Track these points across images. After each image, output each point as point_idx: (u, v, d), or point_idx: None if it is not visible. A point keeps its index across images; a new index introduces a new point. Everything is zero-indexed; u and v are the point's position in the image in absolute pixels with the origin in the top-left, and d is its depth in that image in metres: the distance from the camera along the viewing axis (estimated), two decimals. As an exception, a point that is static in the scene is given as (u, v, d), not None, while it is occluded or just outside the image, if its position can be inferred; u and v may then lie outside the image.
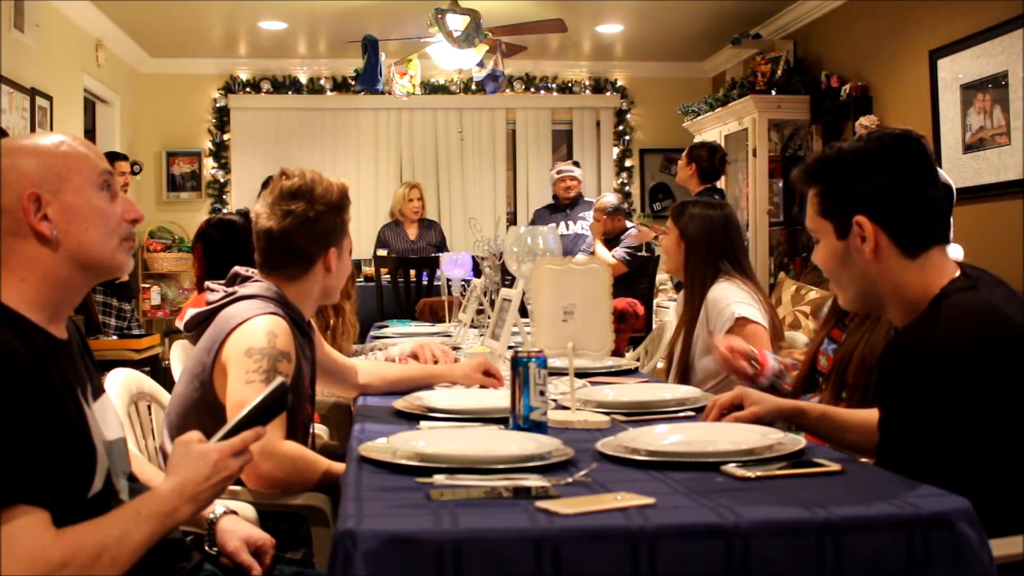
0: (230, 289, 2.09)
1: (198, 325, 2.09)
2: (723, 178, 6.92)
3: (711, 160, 5.46)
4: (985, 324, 1.55)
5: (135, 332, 5.64)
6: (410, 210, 6.98)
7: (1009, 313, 1.56)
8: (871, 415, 1.77)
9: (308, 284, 2.12)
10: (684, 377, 3.03)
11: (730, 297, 2.92)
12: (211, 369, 1.97)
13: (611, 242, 6.24)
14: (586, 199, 6.98)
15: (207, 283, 2.17)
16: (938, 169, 1.84)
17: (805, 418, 1.87)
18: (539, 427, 1.76)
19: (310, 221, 2.07)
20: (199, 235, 3.23)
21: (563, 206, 6.85)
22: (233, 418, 1.46)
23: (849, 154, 1.69)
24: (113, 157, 5.84)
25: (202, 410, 1.97)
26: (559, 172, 6.90)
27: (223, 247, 3.09)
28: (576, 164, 7.08)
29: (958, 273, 1.66)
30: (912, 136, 1.68)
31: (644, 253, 6.03)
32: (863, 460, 1.71)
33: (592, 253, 6.05)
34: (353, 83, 8.00)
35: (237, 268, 2.14)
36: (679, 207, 3.16)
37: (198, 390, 1.99)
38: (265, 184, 8.05)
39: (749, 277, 3.06)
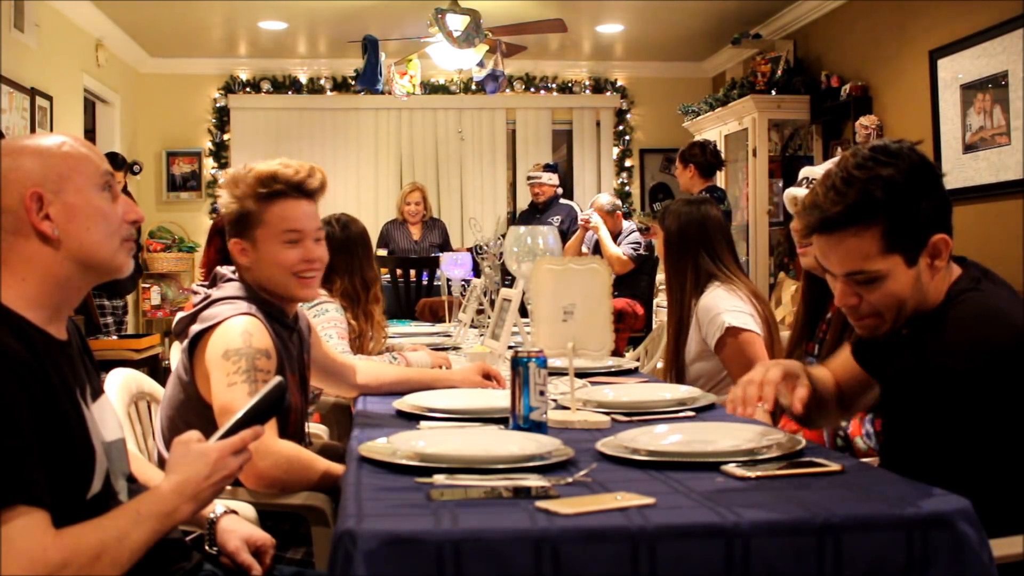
0: (208, 291, 2.09)
1: (184, 328, 2.08)
2: (723, 174, 6.97)
3: (704, 156, 5.47)
4: (991, 328, 1.55)
5: (125, 331, 5.63)
6: (407, 212, 7.01)
7: (1013, 315, 1.57)
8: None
9: (250, 279, 2.07)
10: (678, 380, 2.99)
11: (721, 305, 2.85)
12: (193, 372, 1.98)
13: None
14: (562, 202, 7.05)
15: (193, 285, 2.17)
16: None
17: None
18: (539, 427, 1.76)
19: (222, 213, 2.06)
20: (218, 230, 3.20)
21: (536, 208, 6.98)
22: (231, 418, 1.46)
23: (902, 177, 1.57)
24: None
25: (189, 412, 1.98)
26: (528, 178, 7.21)
27: None
28: (549, 168, 7.12)
29: (958, 271, 1.66)
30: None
31: (643, 252, 6.03)
32: (864, 460, 1.71)
33: (596, 246, 6.03)
34: (353, 83, 8.00)
35: (219, 268, 2.13)
36: (663, 209, 3.13)
37: (183, 392, 2.01)
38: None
39: (734, 275, 2.98)
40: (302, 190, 2.04)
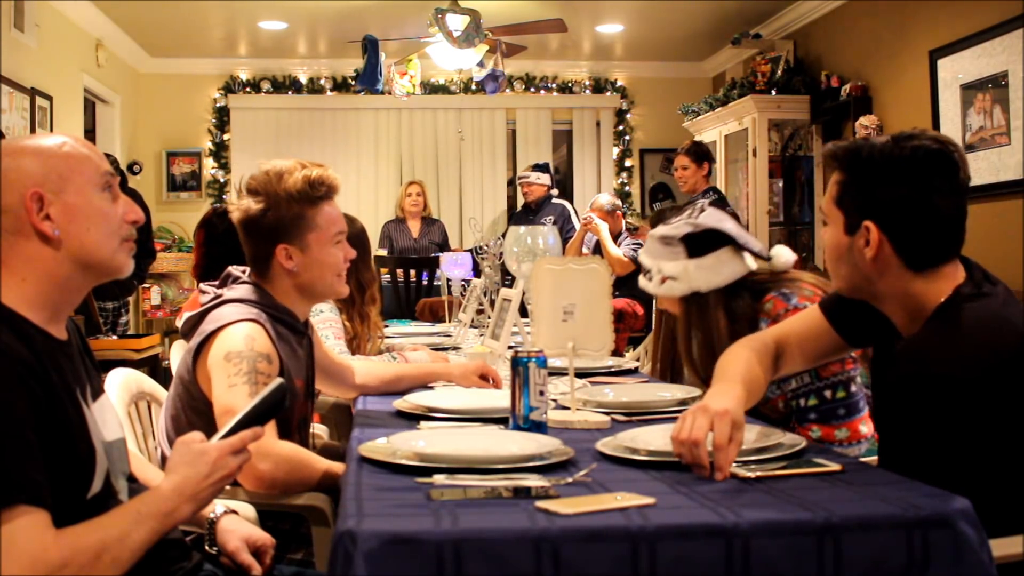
0: (218, 291, 2.09)
1: (192, 327, 2.08)
2: (723, 174, 6.98)
3: (709, 155, 5.51)
4: (995, 336, 1.54)
5: (120, 332, 5.62)
6: (409, 204, 7.20)
7: (1015, 320, 1.56)
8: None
9: (277, 283, 2.06)
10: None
11: None
12: (195, 372, 1.98)
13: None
14: (554, 201, 7.04)
15: (201, 285, 2.17)
16: None
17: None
18: (539, 427, 1.76)
19: (256, 218, 2.01)
20: (202, 223, 3.19)
21: (529, 209, 6.99)
22: (232, 418, 1.46)
23: (879, 155, 1.62)
24: None
25: (190, 412, 1.98)
26: (518, 178, 7.23)
27: (224, 238, 3.07)
28: (538, 167, 7.10)
29: (962, 276, 1.64)
30: (947, 150, 1.60)
31: None
32: (864, 460, 1.71)
33: (597, 247, 6.02)
34: (353, 83, 8.01)
35: (231, 268, 2.13)
36: (656, 217, 3.10)
37: (185, 392, 2.01)
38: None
39: None
40: (335, 191, 2.09)
